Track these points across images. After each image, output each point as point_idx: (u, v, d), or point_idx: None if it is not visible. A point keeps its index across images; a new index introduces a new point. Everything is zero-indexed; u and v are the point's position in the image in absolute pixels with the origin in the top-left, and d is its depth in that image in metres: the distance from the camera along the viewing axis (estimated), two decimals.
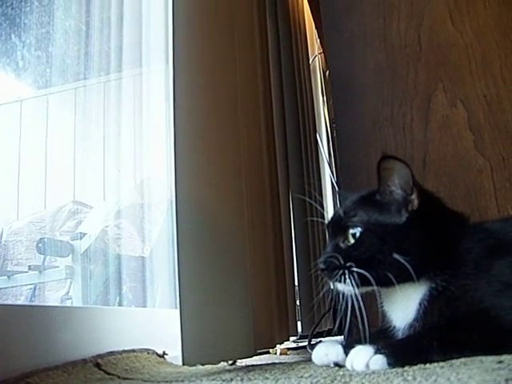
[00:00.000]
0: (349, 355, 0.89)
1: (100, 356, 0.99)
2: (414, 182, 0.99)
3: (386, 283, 0.96)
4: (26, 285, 3.50)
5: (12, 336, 0.89)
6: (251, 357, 1.13)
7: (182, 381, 0.86)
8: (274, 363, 1.12)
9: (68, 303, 3.35)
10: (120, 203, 3.63)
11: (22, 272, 3.49)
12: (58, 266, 3.41)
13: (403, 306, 0.98)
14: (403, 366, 0.82)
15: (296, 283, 1.91)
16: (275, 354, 1.53)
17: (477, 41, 1.61)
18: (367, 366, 0.85)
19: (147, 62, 2.86)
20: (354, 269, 0.95)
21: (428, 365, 0.82)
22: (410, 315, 0.96)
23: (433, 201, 1.05)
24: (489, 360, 0.77)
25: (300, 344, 1.84)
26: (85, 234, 3.44)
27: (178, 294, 0.99)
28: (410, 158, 1.47)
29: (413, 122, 1.56)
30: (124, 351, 1.07)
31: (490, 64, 1.58)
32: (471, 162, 1.45)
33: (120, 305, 3.17)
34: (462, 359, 0.83)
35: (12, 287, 3.54)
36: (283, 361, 1.22)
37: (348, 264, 0.96)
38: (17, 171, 4.18)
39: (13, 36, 2.86)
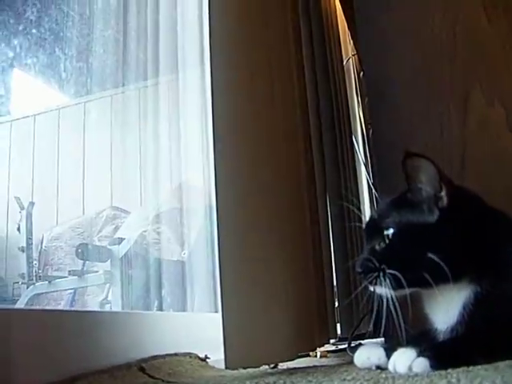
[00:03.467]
0: (391, 358, 0.88)
1: (144, 360, 1.01)
2: (441, 178, 0.98)
3: (422, 284, 0.95)
4: (66, 289, 3.58)
5: (60, 340, 0.92)
6: (293, 360, 1.13)
7: None
8: (316, 366, 1.13)
9: (107, 308, 3.41)
10: (157, 208, 3.68)
11: (62, 277, 3.57)
12: (97, 271, 3.48)
13: (445, 309, 0.97)
14: (446, 369, 0.82)
15: (335, 285, 1.91)
16: (315, 356, 1.53)
17: None
18: (410, 368, 0.84)
19: (183, 67, 2.89)
20: (388, 270, 0.95)
21: (471, 367, 0.81)
22: (453, 318, 0.95)
23: (468, 198, 1.03)
24: None
25: (340, 347, 1.83)
26: (123, 239, 3.49)
27: (220, 298, 1.01)
28: (448, 157, 1.45)
29: (450, 121, 1.54)
30: (167, 355, 1.08)
31: None
32: (510, 162, 1.43)
33: (159, 308, 3.21)
34: (507, 362, 0.82)
35: (53, 292, 3.62)
36: (324, 363, 1.22)
37: (382, 266, 0.96)
38: (55, 177, 4.27)
39: (56, 49, 2.93)
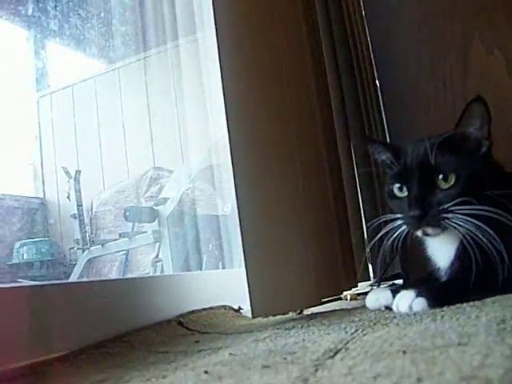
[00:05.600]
0: (394, 299, 1.00)
1: (182, 315, 1.15)
2: (490, 126, 1.06)
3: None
4: (118, 251, 3.78)
5: (110, 304, 1.06)
6: (316, 305, 1.25)
7: (252, 331, 1.00)
8: (335, 310, 1.24)
9: (159, 265, 3.60)
10: (198, 165, 3.80)
11: (113, 240, 3.76)
12: (146, 232, 3.65)
13: (445, 248, 1.07)
14: (442, 307, 0.92)
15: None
16: (346, 299, 1.64)
17: None
18: (410, 308, 0.95)
19: (201, 28, 2.93)
20: (463, 211, 0.99)
21: (464, 304, 0.91)
22: (452, 255, 1.06)
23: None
24: None
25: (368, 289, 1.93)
26: (167, 198, 3.65)
27: (242, 251, 1.10)
28: (452, 108, 1.52)
29: (452, 73, 1.60)
30: (203, 309, 1.21)
31: None
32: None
33: (208, 262, 3.39)
34: (497, 297, 0.92)
35: (107, 254, 3.83)
36: (347, 307, 1.33)
37: (452, 207, 1.00)
38: (98, 144, 4.44)
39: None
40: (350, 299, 1.64)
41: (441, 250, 1.09)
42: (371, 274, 1.92)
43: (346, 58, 1.91)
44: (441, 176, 1.04)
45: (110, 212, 4.16)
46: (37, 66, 4.50)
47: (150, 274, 3.57)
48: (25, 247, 3.96)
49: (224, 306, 1.29)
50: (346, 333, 0.80)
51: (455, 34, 1.64)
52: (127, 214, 3.59)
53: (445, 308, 0.91)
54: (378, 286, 1.72)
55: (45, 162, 4.45)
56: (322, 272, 1.30)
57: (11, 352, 0.82)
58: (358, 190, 1.91)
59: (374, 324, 0.86)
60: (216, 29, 1.18)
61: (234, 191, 1.16)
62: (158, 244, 3.60)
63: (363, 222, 1.93)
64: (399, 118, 1.67)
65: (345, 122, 1.84)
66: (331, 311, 1.23)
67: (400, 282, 1.88)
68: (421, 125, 1.59)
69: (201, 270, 3.36)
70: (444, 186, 1.03)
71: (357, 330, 0.81)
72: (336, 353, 0.66)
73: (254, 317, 1.07)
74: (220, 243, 3.18)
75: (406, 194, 1.08)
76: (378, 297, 1.08)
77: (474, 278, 0.95)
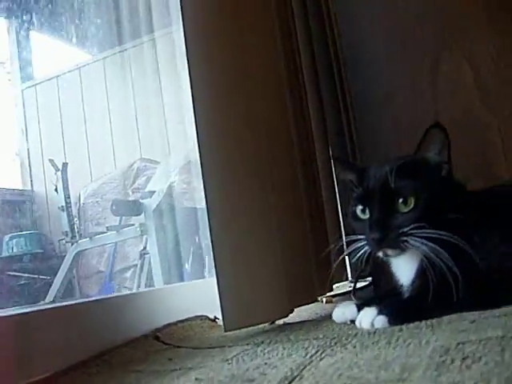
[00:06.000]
0: (358, 316, 1.05)
1: (158, 329, 1.19)
2: (449, 150, 1.10)
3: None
4: (106, 244, 3.82)
5: (90, 324, 1.11)
6: (286, 316, 1.28)
7: (223, 346, 1.05)
8: (304, 321, 1.29)
9: (146, 258, 3.64)
10: (184, 158, 3.83)
11: (101, 233, 3.80)
12: (133, 224, 3.69)
13: (407, 266, 1.12)
14: (402, 324, 0.98)
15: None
16: (322, 302, 1.68)
17: None
18: (372, 324, 1.01)
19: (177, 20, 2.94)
20: (421, 234, 1.03)
21: (423, 322, 0.97)
22: (413, 273, 1.11)
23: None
24: (468, 319, 0.92)
25: (345, 290, 1.97)
26: (154, 191, 3.68)
27: (213, 264, 1.14)
28: (421, 120, 1.55)
29: (422, 86, 1.64)
30: (179, 321, 1.26)
31: (496, 21, 1.63)
32: (480, 119, 1.53)
33: (195, 255, 3.43)
34: (453, 316, 0.97)
35: (95, 247, 3.87)
36: (320, 312, 1.39)
37: (411, 231, 1.04)
38: (85, 136, 4.45)
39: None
40: (326, 302, 1.69)
41: (403, 268, 1.14)
42: (349, 274, 1.96)
43: (324, 65, 1.91)
44: (401, 200, 1.07)
45: (98, 204, 4.20)
46: (20, 57, 4.50)
47: (136, 267, 3.64)
48: (14, 240, 4.00)
49: (200, 317, 1.33)
50: (306, 355, 0.85)
51: (426, 47, 1.67)
52: (114, 207, 3.63)
53: (404, 326, 0.96)
54: (353, 290, 1.72)
55: (32, 155, 4.48)
56: (294, 282, 1.32)
57: None
58: (338, 199, 1.91)
59: (335, 343, 0.91)
60: (185, 36, 1.19)
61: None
62: (145, 237, 3.65)
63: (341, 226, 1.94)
64: (370, 131, 1.71)
65: (324, 131, 1.86)
66: (300, 322, 1.28)
67: None
68: (392, 138, 1.62)
69: (187, 263, 3.42)
70: (404, 209, 1.07)
71: (317, 352, 0.86)
72: (291, 382, 0.71)
73: (226, 331, 1.12)
74: (205, 235, 3.23)
75: (368, 216, 1.12)
76: (344, 311, 1.14)
77: (431, 297, 1.00)
